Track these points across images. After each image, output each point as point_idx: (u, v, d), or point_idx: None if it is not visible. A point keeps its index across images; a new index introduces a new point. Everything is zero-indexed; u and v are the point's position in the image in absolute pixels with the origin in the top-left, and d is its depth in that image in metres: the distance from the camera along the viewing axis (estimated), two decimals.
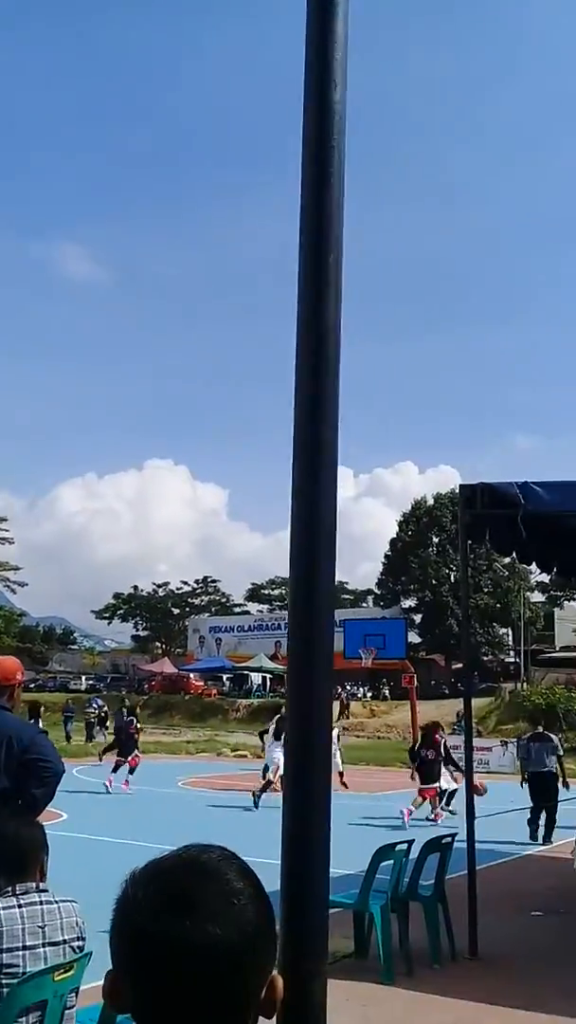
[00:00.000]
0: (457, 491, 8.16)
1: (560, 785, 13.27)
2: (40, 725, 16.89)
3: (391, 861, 6.96)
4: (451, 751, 15.57)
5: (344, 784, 18.47)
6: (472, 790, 7.67)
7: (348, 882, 6.91)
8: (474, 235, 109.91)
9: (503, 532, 7.89)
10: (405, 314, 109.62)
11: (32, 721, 16.56)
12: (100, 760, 21.62)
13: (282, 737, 14.35)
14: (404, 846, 7.03)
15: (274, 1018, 1.28)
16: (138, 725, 20.38)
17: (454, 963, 6.98)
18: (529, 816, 13.14)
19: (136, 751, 19.26)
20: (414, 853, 7.23)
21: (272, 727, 17.77)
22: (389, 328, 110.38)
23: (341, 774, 18.48)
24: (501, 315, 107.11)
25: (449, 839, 7.47)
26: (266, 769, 17.32)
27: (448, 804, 15.44)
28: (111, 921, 1.09)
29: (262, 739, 19.76)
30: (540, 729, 14.08)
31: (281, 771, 13.88)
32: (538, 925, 8.27)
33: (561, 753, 13.56)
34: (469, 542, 8.93)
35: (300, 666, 1.37)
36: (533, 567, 9.83)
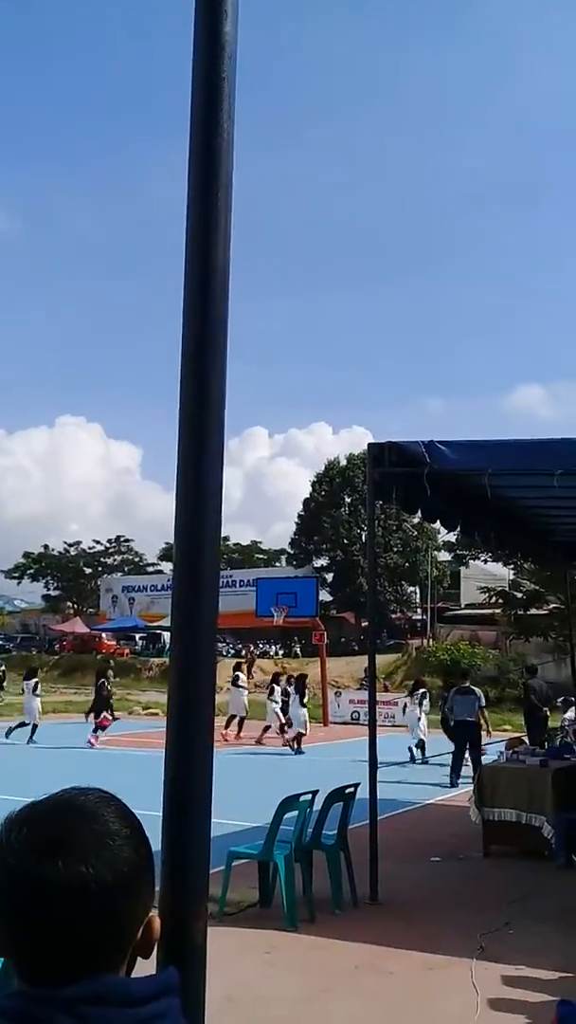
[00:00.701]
0: None
1: (484, 734, 14.31)
2: None
3: (296, 812, 7.08)
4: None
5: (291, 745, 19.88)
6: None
7: (256, 835, 7.02)
8: (391, 196, 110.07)
9: (409, 490, 8.03)
10: (322, 274, 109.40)
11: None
12: (85, 719, 21.45)
13: (301, 693, 17.92)
14: (308, 797, 7.16)
15: (153, 958, 1.29)
16: (108, 687, 21.13)
17: (356, 909, 7.19)
18: (452, 763, 14.16)
19: (105, 712, 19.96)
20: (319, 804, 7.38)
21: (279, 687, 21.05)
22: (304, 287, 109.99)
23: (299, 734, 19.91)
24: (413, 277, 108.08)
25: (352, 789, 7.64)
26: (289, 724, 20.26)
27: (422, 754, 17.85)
28: None
29: (270, 697, 21.57)
30: (466, 683, 15.11)
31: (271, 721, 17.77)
32: (437, 871, 8.58)
33: (483, 704, 14.58)
34: (377, 501, 9.07)
35: (186, 612, 1.35)
36: (440, 527, 10.02)
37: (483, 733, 14.30)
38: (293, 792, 7.18)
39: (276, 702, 21.18)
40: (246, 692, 22.26)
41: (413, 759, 17.68)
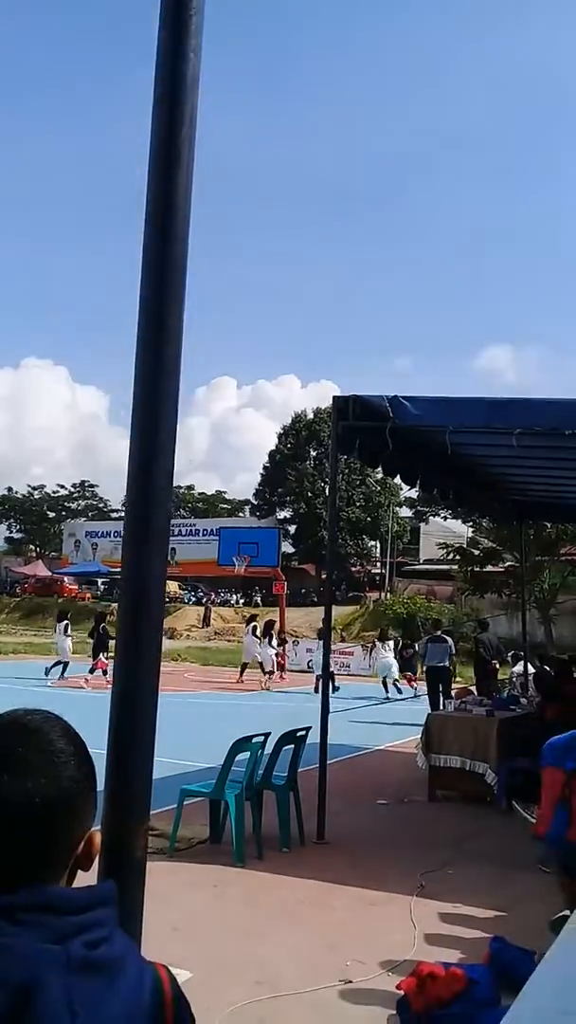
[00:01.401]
0: None
1: (451, 678, 16.46)
2: None
3: (248, 753, 7.25)
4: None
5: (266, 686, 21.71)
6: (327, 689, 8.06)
7: (211, 775, 7.19)
8: (369, 150, 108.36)
9: (372, 444, 8.10)
10: (298, 226, 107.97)
11: None
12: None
13: (269, 635, 19.94)
14: (260, 739, 7.33)
15: (95, 872, 1.37)
16: (108, 631, 21.42)
17: (303, 847, 7.41)
18: (429, 702, 15.46)
19: (101, 654, 20.39)
20: (272, 748, 7.56)
21: (259, 629, 22.57)
22: (279, 238, 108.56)
23: (270, 673, 22.15)
24: (388, 233, 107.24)
25: (303, 732, 7.83)
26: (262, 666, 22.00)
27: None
28: None
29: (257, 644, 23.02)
30: (439, 633, 17.23)
31: (270, 666, 18.99)
32: (383, 813, 8.85)
33: (454, 653, 16.88)
34: (340, 455, 9.13)
35: (136, 550, 1.41)
36: (400, 482, 10.12)
37: (451, 678, 16.37)
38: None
39: (271, 647, 22.86)
40: (256, 643, 23.20)
41: (388, 695, 20.31)
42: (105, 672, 20.13)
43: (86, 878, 1.21)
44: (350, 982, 4.78)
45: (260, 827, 7.28)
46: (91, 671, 20.39)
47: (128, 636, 1.39)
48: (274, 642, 23.20)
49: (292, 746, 7.74)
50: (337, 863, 6.98)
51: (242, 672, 23.26)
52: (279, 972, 4.89)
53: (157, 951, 4.22)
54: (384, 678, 20.85)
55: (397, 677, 21.10)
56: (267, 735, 7.41)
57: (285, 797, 7.48)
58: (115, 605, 35.47)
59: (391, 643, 22.04)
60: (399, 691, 20.72)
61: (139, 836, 1.32)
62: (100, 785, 1.40)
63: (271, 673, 22.55)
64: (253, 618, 25.27)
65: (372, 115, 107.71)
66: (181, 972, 4.85)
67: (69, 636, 21.90)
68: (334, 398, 8.08)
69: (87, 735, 1.21)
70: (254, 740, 7.26)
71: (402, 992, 4.23)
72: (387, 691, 20.53)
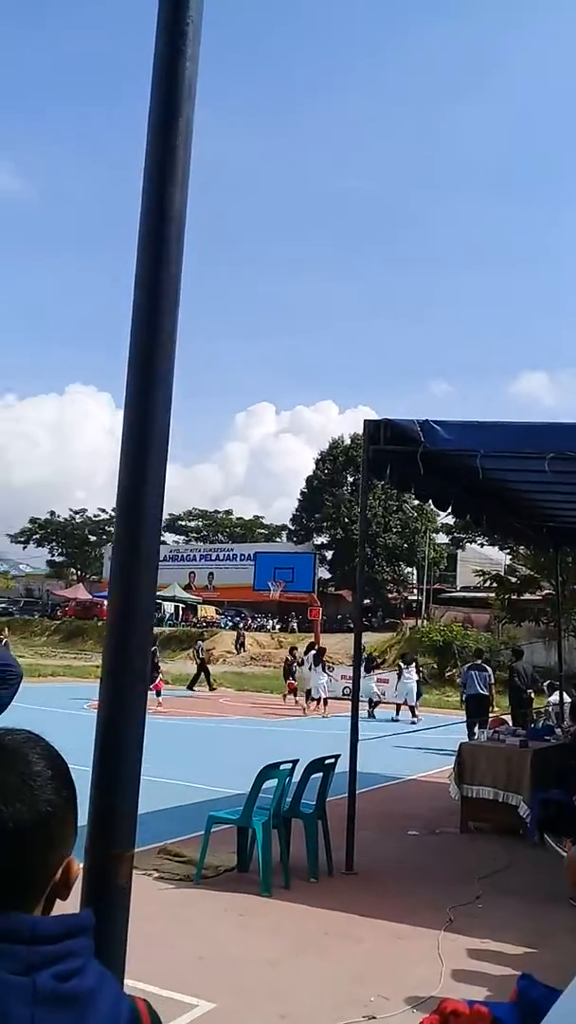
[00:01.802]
0: None
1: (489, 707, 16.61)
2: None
3: (276, 780, 7.19)
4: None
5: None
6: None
7: (240, 801, 7.13)
8: (400, 175, 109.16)
9: (404, 468, 8.08)
10: (335, 252, 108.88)
11: None
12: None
13: (320, 663, 19.31)
14: (288, 766, 7.26)
15: (78, 901, 1.35)
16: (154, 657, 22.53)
17: (330, 878, 7.31)
18: (467, 732, 15.16)
19: (157, 675, 21.24)
20: (298, 775, 7.48)
21: (311, 654, 22.48)
22: (317, 265, 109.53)
23: (323, 701, 21.91)
24: (423, 260, 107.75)
25: (332, 760, 7.75)
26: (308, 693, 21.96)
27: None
28: None
29: (299, 668, 23.96)
30: (479, 662, 17.78)
31: (323, 693, 18.68)
32: (414, 844, 8.71)
33: (492, 681, 17.13)
34: (372, 479, 9.10)
35: (126, 557, 1.41)
36: (438, 509, 10.07)
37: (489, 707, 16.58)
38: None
39: (321, 675, 22.78)
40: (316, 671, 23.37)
41: (414, 719, 20.89)
42: (159, 693, 20.95)
43: (67, 907, 1.19)
44: (374, 1018, 4.69)
45: (288, 856, 7.19)
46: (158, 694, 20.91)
47: (114, 660, 1.38)
48: (325, 669, 23.12)
49: (321, 774, 7.66)
50: (365, 894, 6.87)
51: (307, 699, 22.79)
52: (303, 1005, 4.81)
53: (180, 980, 4.19)
54: (404, 702, 21.57)
55: (414, 704, 21.63)
56: (295, 762, 7.35)
57: (313, 826, 7.40)
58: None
59: (413, 667, 22.62)
60: (413, 717, 21.17)
61: (123, 863, 1.30)
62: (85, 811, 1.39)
63: (319, 700, 22.18)
64: (312, 647, 25.18)
65: (410, 135, 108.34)
66: (204, 1003, 4.80)
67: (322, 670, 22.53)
68: (365, 422, 8.07)
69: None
70: (281, 767, 7.20)
71: None
72: (413, 716, 21.10)
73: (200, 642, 28.73)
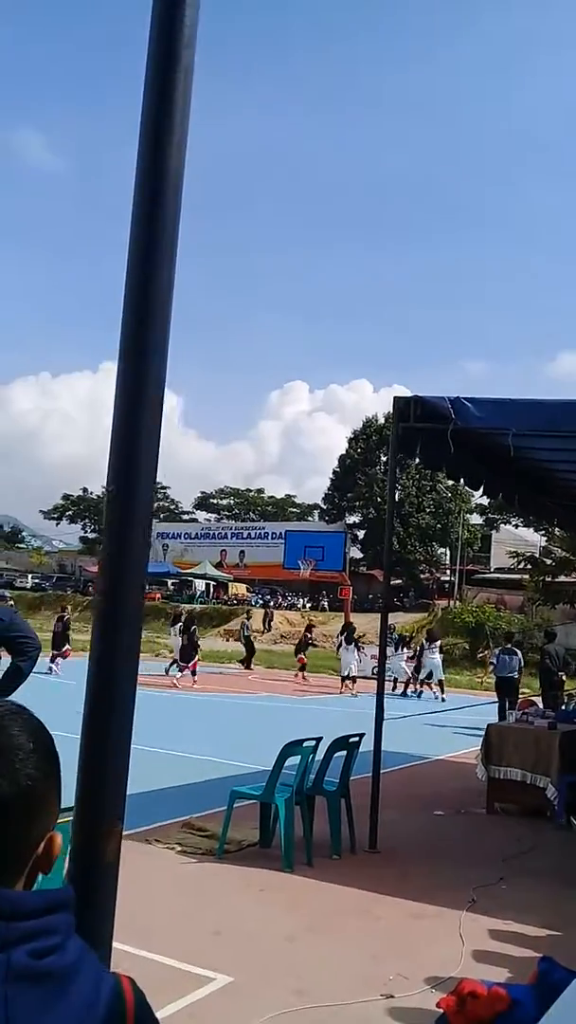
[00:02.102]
0: None
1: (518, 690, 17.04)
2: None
3: (299, 757, 7.17)
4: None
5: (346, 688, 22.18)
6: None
7: (264, 778, 7.12)
8: (441, 155, 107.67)
9: (434, 446, 7.93)
10: (371, 231, 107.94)
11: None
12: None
13: (353, 641, 20.30)
14: (312, 743, 7.23)
15: (64, 875, 1.31)
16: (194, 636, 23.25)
17: (353, 855, 7.29)
18: (498, 711, 15.81)
19: (195, 655, 22.07)
20: (322, 752, 7.45)
21: (343, 636, 23.13)
22: (354, 242, 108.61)
23: (351, 679, 22.30)
24: (460, 238, 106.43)
25: (356, 738, 7.71)
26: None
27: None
28: None
29: (338, 648, 24.10)
30: (509, 645, 18.08)
31: (353, 671, 19.28)
32: (438, 824, 8.66)
33: (522, 665, 17.60)
34: (401, 456, 8.99)
35: (116, 534, 1.35)
36: (470, 488, 9.94)
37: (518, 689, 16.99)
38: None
39: (353, 653, 23.24)
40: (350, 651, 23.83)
41: (438, 695, 21.71)
42: (194, 673, 21.39)
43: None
44: (392, 996, 4.65)
45: (311, 833, 7.17)
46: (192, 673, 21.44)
47: (104, 632, 1.32)
48: (358, 647, 23.54)
49: (345, 752, 7.63)
50: (387, 873, 6.84)
51: (352, 681, 22.86)
52: (320, 982, 4.79)
53: (198, 954, 4.17)
54: (428, 678, 22.33)
55: (442, 677, 22.33)
56: (319, 740, 7.31)
57: (336, 803, 7.37)
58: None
59: (438, 644, 23.25)
60: (440, 694, 21.84)
61: (110, 838, 1.25)
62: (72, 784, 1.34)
63: (348, 679, 22.55)
64: (346, 627, 25.33)
65: (451, 116, 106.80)
66: (221, 976, 4.80)
67: (181, 636, 23.07)
68: (395, 399, 7.94)
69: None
70: (305, 744, 7.16)
71: (441, 1010, 4.09)
72: (440, 692, 21.89)
73: (247, 620, 28.68)
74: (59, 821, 1.12)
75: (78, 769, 1.33)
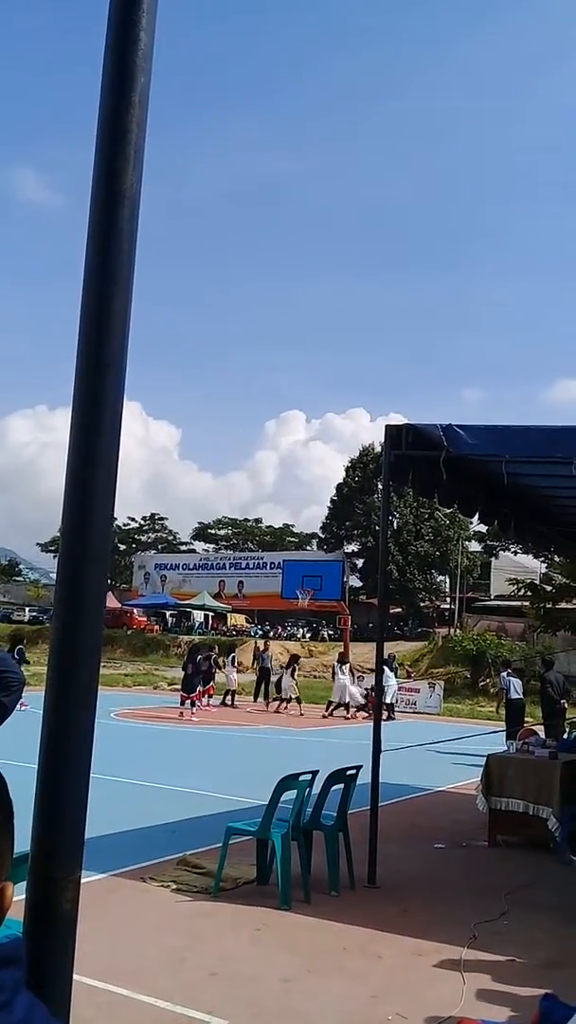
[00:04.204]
0: None
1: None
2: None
3: (295, 791, 7.05)
4: None
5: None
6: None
7: (260, 812, 7.00)
8: (432, 184, 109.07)
9: (426, 473, 7.90)
10: (365, 260, 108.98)
11: (18, 648, 21.33)
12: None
13: (346, 664, 21.45)
14: (308, 776, 7.12)
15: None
16: (214, 661, 24.68)
17: (352, 891, 7.15)
18: (506, 734, 15.88)
19: (204, 685, 23.10)
20: (318, 786, 7.34)
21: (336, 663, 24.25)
22: (347, 273, 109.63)
23: (358, 707, 23.37)
24: (454, 266, 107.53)
25: (353, 771, 7.60)
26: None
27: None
28: None
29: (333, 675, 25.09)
30: (511, 670, 18.67)
31: (358, 699, 21.07)
32: (439, 857, 8.51)
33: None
34: (394, 484, 8.95)
35: (73, 549, 1.30)
36: (464, 515, 9.90)
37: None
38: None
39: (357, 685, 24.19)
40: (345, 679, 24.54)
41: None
42: (193, 704, 21.61)
43: None
44: None
45: (308, 869, 7.04)
46: (194, 703, 21.75)
47: (60, 672, 1.27)
48: (355, 677, 24.27)
49: (342, 785, 7.51)
50: (387, 909, 6.70)
51: (331, 709, 23.76)
52: (317, 1023, 4.66)
53: (193, 996, 4.06)
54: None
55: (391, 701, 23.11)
56: (315, 773, 7.21)
57: (334, 838, 7.24)
58: (184, 639, 36.89)
59: (347, 667, 24.31)
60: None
61: (67, 888, 1.19)
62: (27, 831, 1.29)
63: (348, 706, 23.33)
64: (343, 656, 25.95)
65: (447, 142, 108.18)
66: (216, 1020, 4.68)
67: (234, 668, 23.98)
68: (387, 427, 7.92)
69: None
70: (301, 778, 7.05)
71: None
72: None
73: (266, 653, 27.43)
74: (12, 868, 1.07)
75: (33, 815, 1.27)
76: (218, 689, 25.54)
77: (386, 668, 23.79)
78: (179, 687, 30.26)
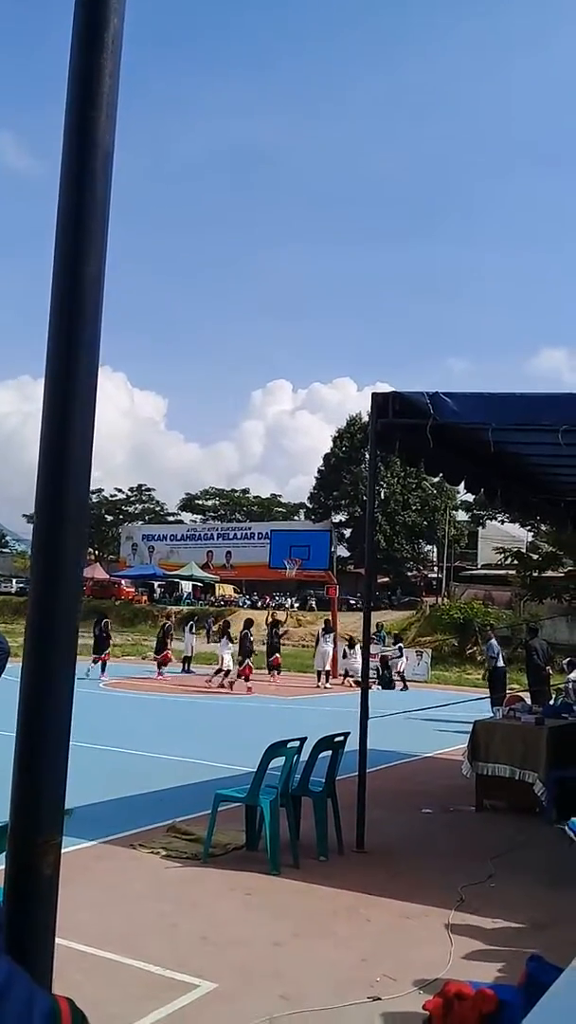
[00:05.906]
0: None
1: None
2: None
3: (283, 758, 7.09)
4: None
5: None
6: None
7: (249, 779, 7.04)
8: (422, 153, 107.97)
9: (413, 442, 7.87)
10: (352, 228, 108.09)
11: (104, 621, 23.90)
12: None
13: (331, 633, 23.63)
14: (296, 743, 7.16)
15: None
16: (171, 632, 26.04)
17: (341, 856, 7.21)
18: (491, 701, 16.20)
19: (165, 650, 24.54)
20: (307, 753, 7.38)
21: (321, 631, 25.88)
22: (333, 240, 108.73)
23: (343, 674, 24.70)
24: (440, 236, 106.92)
25: (341, 738, 7.64)
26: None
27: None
28: None
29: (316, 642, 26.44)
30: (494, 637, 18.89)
31: (321, 666, 22.16)
32: (426, 822, 8.60)
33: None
34: (381, 452, 8.92)
35: (49, 517, 1.27)
36: (450, 483, 9.87)
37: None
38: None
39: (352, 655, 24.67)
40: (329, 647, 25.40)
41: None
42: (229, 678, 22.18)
43: None
44: (379, 999, 4.58)
45: (297, 834, 7.10)
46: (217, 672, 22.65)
47: (38, 631, 1.24)
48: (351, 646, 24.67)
49: (330, 752, 7.55)
50: (375, 873, 6.77)
51: (325, 678, 24.38)
52: (306, 986, 4.71)
53: (182, 960, 4.07)
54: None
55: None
56: (303, 740, 7.24)
57: (322, 804, 7.30)
58: (172, 608, 37.01)
59: (331, 636, 25.47)
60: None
61: (48, 852, 1.18)
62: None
63: (347, 675, 24.32)
64: (328, 625, 26.40)
65: (431, 114, 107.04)
66: (205, 983, 4.72)
67: (232, 642, 23.56)
68: (373, 395, 7.88)
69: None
70: (289, 745, 7.09)
71: (427, 1013, 4.02)
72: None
73: (278, 625, 26.62)
74: None
75: (12, 776, 1.25)
76: (176, 655, 26.04)
77: (322, 634, 25.56)
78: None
